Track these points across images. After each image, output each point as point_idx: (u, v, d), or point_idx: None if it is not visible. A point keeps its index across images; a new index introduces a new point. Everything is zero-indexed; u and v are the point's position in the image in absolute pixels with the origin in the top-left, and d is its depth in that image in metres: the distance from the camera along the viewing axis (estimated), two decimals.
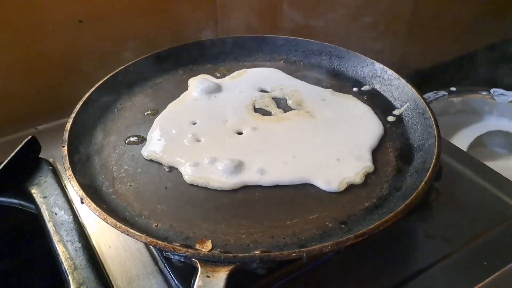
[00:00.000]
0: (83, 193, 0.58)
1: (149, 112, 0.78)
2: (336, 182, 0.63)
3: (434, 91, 1.08)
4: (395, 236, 0.66)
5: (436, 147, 0.62)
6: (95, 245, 0.65)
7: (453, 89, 1.09)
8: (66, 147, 0.65)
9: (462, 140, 1.05)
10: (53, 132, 0.84)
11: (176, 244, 0.53)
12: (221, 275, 0.49)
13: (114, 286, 0.60)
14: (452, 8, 1.33)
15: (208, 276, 0.49)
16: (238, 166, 0.65)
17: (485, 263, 0.62)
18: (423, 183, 0.57)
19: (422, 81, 1.25)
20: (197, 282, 0.48)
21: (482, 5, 1.38)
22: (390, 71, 0.79)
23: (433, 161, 0.60)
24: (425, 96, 1.07)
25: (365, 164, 0.66)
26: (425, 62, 1.37)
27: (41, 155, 0.78)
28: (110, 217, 0.55)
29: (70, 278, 0.58)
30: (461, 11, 1.36)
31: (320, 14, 1.17)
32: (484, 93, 1.10)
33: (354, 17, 1.22)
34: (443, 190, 0.71)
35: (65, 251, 0.62)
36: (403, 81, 0.77)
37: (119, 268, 0.62)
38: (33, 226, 0.68)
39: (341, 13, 1.20)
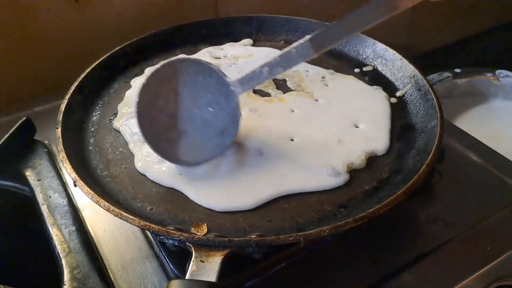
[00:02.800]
0: (76, 175, 0.56)
1: None
2: (337, 166, 0.61)
3: (438, 73, 1.06)
4: (397, 220, 0.64)
5: (438, 128, 0.61)
6: (90, 229, 0.64)
7: (457, 70, 1.07)
8: (60, 129, 0.64)
9: (467, 122, 1.03)
10: (50, 114, 0.82)
11: (170, 227, 0.51)
12: (216, 259, 0.48)
13: (108, 270, 0.59)
14: None
15: (202, 261, 0.48)
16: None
17: (488, 248, 0.60)
18: (424, 165, 0.55)
19: (426, 62, 1.23)
20: (191, 266, 0.47)
21: None
22: (392, 51, 0.77)
23: (436, 143, 0.58)
24: (429, 77, 1.05)
25: (369, 146, 0.64)
26: (429, 44, 1.34)
27: (37, 137, 0.77)
28: (103, 200, 0.53)
29: (63, 261, 0.57)
30: None
31: None
32: (489, 74, 1.07)
33: None
34: (446, 173, 0.69)
35: (59, 234, 0.61)
36: (405, 61, 0.75)
37: (114, 252, 0.61)
38: (28, 209, 0.67)
39: None
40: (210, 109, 0.61)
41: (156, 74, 0.61)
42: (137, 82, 0.78)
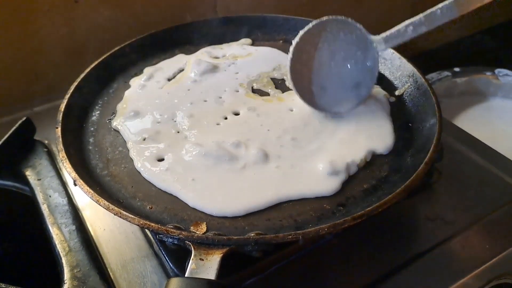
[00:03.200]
0: (76, 174, 0.57)
1: None
2: (337, 165, 0.61)
3: (438, 72, 1.06)
4: (396, 218, 0.65)
5: (437, 127, 0.61)
6: (90, 228, 0.65)
7: (456, 69, 1.07)
8: (59, 128, 0.64)
9: (466, 121, 1.03)
10: (50, 114, 0.82)
11: (169, 226, 0.52)
12: (215, 257, 0.48)
13: (108, 269, 0.59)
14: None
15: (201, 259, 0.48)
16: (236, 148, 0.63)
17: (487, 246, 0.60)
18: (423, 164, 0.55)
19: (426, 62, 1.23)
20: (190, 265, 0.47)
21: None
22: (391, 50, 0.77)
23: (434, 142, 0.58)
24: (429, 76, 1.05)
25: (369, 146, 0.64)
26: (429, 43, 1.34)
27: (37, 137, 0.78)
28: (102, 199, 0.54)
29: (63, 260, 0.58)
30: None
31: None
32: (488, 73, 1.07)
33: None
34: (445, 172, 0.70)
35: (59, 233, 0.61)
36: (404, 60, 0.75)
37: (114, 251, 0.62)
38: (28, 209, 0.67)
39: None
40: (348, 65, 0.68)
41: (306, 34, 0.68)
42: (136, 82, 0.78)
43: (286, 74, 0.77)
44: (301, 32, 0.68)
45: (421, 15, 0.61)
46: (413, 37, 0.64)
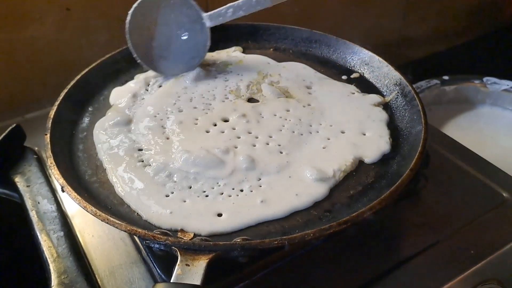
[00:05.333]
0: (64, 181, 0.57)
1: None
2: (325, 171, 0.62)
3: (427, 80, 1.07)
4: (383, 224, 0.65)
5: (423, 134, 0.62)
6: (78, 235, 0.65)
7: (445, 77, 1.08)
8: (48, 135, 0.65)
9: (455, 128, 1.04)
10: (40, 121, 0.82)
11: (156, 232, 0.52)
12: (201, 263, 0.48)
13: (96, 275, 0.59)
14: None
15: (187, 265, 0.48)
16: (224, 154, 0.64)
17: (472, 252, 0.61)
18: (408, 170, 0.56)
19: (415, 70, 1.24)
20: (176, 270, 0.48)
21: None
22: (378, 58, 0.78)
23: (420, 148, 0.59)
24: (418, 84, 1.06)
25: (357, 152, 0.65)
26: (419, 52, 1.36)
27: (27, 144, 0.78)
28: (90, 205, 0.54)
29: (51, 266, 0.58)
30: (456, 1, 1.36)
31: (313, 2, 1.16)
32: (476, 81, 1.08)
33: (348, 5, 1.21)
34: (431, 178, 0.70)
35: (47, 239, 0.61)
36: (391, 68, 0.76)
37: (102, 258, 0.62)
38: (17, 215, 0.67)
39: (336, 1, 1.19)
40: (184, 37, 0.79)
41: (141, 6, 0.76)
42: (127, 89, 0.78)
43: (274, 83, 0.78)
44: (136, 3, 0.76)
45: (239, 1, 0.74)
46: (233, 19, 0.76)
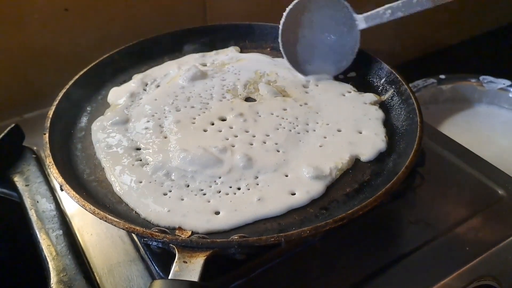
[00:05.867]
0: (62, 179, 0.57)
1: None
2: (322, 169, 0.62)
3: (423, 79, 1.07)
4: (380, 222, 0.66)
5: (418, 132, 0.62)
6: (77, 233, 0.65)
7: (442, 76, 1.09)
8: (47, 135, 0.65)
9: (451, 127, 1.04)
10: (39, 120, 0.83)
11: (154, 230, 0.52)
12: (198, 260, 0.49)
13: (95, 273, 0.60)
14: None
15: (185, 262, 0.49)
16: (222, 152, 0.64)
17: (467, 248, 0.62)
18: (404, 167, 0.57)
19: (412, 70, 1.24)
20: (174, 267, 0.48)
21: None
22: (374, 57, 0.79)
23: (415, 146, 0.60)
24: (414, 83, 1.06)
25: (353, 150, 0.65)
26: (415, 51, 1.36)
27: (25, 144, 0.78)
28: (88, 204, 0.54)
29: (50, 265, 0.58)
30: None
31: None
32: (473, 80, 1.09)
33: None
34: (428, 176, 0.71)
35: (46, 238, 0.62)
36: (387, 67, 0.76)
37: (100, 256, 0.62)
38: (16, 214, 0.68)
39: None
40: (333, 37, 0.78)
41: (294, 7, 0.77)
42: (124, 89, 0.79)
43: (271, 82, 0.79)
44: (292, 4, 0.76)
45: (399, 1, 0.70)
46: (390, 20, 0.72)
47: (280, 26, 0.78)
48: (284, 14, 0.77)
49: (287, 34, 0.78)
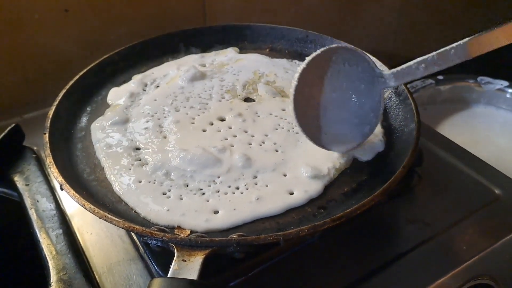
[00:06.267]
0: (62, 179, 0.58)
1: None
2: (319, 169, 0.63)
3: (422, 80, 1.08)
4: (378, 221, 0.67)
5: (415, 132, 0.63)
6: (77, 232, 0.66)
7: (440, 77, 1.09)
8: (47, 134, 0.66)
9: (450, 127, 1.05)
10: (39, 120, 0.83)
11: (153, 228, 0.53)
12: (197, 259, 0.49)
13: (94, 272, 0.60)
14: None
15: (184, 260, 0.49)
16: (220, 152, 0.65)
17: (464, 247, 0.62)
18: (401, 167, 0.57)
19: None
20: (173, 266, 0.49)
21: None
22: (372, 58, 0.79)
23: (412, 146, 0.60)
24: (412, 84, 1.07)
25: (353, 150, 0.66)
26: (414, 52, 1.37)
27: (26, 144, 0.78)
28: (88, 203, 0.55)
29: (50, 263, 0.58)
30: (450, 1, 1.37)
31: (309, 3, 1.17)
32: (471, 81, 1.09)
33: (342, 7, 1.22)
34: (425, 176, 0.72)
35: (46, 237, 0.62)
36: (385, 68, 0.76)
37: (100, 255, 0.63)
38: (16, 214, 0.68)
39: (331, 2, 1.20)
40: (352, 99, 0.63)
41: (313, 61, 0.62)
42: (124, 89, 0.79)
43: (270, 82, 0.79)
44: (307, 59, 0.62)
45: (434, 53, 0.56)
46: (424, 75, 0.59)
47: (293, 86, 0.61)
48: (298, 70, 0.62)
49: (301, 98, 0.62)
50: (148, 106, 0.74)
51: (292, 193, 0.60)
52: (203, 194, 0.60)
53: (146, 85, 0.81)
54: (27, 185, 0.70)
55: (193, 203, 0.59)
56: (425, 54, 0.58)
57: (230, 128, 0.70)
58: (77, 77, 0.77)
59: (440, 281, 0.58)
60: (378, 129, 0.69)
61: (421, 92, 1.07)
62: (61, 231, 0.63)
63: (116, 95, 0.78)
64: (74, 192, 0.56)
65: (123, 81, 0.83)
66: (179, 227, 0.56)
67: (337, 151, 0.64)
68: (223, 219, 0.57)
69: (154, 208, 0.58)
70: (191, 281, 0.47)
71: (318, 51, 0.62)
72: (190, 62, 0.86)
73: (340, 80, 0.63)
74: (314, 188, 0.61)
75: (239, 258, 0.55)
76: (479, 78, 1.10)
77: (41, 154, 0.77)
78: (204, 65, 0.86)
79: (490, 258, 0.62)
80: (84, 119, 0.75)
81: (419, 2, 1.32)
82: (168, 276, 0.48)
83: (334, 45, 0.63)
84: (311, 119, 0.63)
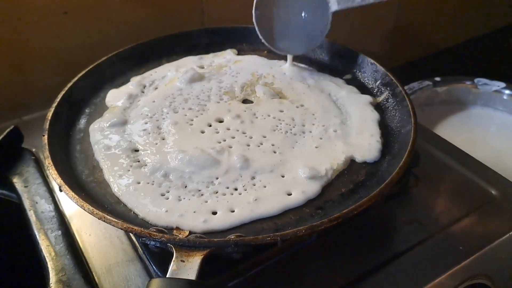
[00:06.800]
0: (61, 180, 0.58)
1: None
2: (317, 170, 0.63)
3: (419, 81, 1.08)
4: (375, 221, 0.67)
5: (412, 133, 0.63)
6: (76, 234, 0.66)
7: (437, 79, 1.10)
8: (46, 136, 0.66)
9: (447, 129, 1.06)
10: (37, 122, 0.84)
11: (152, 229, 0.53)
12: (196, 259, 0.50)
13: (93, 273, 0.60)
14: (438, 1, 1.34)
15: (182, 261, 0.50)
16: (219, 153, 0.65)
17: (460, 248, 0.63)
18: (397, 168, 0.58)
19: (407, 72, 1.26)
20: (172, 266, 0.49)
21: None
22: (369, 60, 0.80)
23: (409, 147, 0.61)
24: (410, 86, 1.08)
25: (349, 151, 0.66)
26: (411, 54, 1.38)
27: (25, 145, 0.79)
28: (87, 204, 0.55)
29: (49, 265, 0.59)
30: (448, 2, 1.37)
31: None
32: (468, 82, 1.10)
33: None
34: (422, 177, 0.72)
35: (45, 238, 0.62)
36: (383, 70, 0.77)
37: (99, 256, 0.63)
38: (15, 215, 0.68)
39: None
40: (304, 15, 0.81)
41: None
42: (122, 91, 0.80)
43: (268, 84, 0.80)
44: None
45: None
46: (362, 5, 0.75)
47: (254, 2, 0.80)
48: None
49: (261, 9, 0.80)
50: (147, 108, 0.75)
51: (290, 194, 0.61)
52: (202, 195, 0.61)
53: (144, 86, 0.81)
54: (26, 186, 0.70)
55: (191, 204, 0.59)
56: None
57: (228, 129, 0.70)
58: (75, 79, 0.78)
59: (436, 281, 0.58)
60: (376, 130, 0.69)
61: (418, 94, 1.07)
62: (60, 232, 0.63)
63: (115, 97, 0.79)
64: (73, 194, 0.56)
65: (122, 83, 0.83)
66: (177, 228, 0.56)
67: (292, 53, 0.84)
68: (221, 220, 0.57)
69: (153, 209, 0.59)
70: (189, 281, 0.47)
71: None
72: (188, 64, 0.87)
73: (300, 4, 0.80)
74: (312, 189, 0.61)
75: (237, 259, 0.55)
76: (476, 80, 1.11)
77: (40, 156, 0.78)
78: (202, 67, 0.86)
79: (486, 258, 0.62)
80: (82, 121, 0.75)
81: (417, 2, 1.32)
82: (167, 276, 0.48)
83: None
84: (268, 26, 0.82)
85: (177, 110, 0.74)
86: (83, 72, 0.79)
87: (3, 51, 0.89)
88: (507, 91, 1.08)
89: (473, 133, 1.04)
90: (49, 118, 0.69)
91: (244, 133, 0.69)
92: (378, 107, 0.75)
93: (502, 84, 1.09)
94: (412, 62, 1.35)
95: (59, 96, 0.74)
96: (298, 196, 0.60)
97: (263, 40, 0.82)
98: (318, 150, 0.67)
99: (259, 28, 0.81)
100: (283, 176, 0.63)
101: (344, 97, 0.77)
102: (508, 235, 0.64)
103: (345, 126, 0.71)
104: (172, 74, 0.83)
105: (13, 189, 0.71)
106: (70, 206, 0.69)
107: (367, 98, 0.76)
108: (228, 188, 0.61)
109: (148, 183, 0.62)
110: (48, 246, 0.61)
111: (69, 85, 0.76)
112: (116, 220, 0.53)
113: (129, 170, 0.64)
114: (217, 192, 0.61)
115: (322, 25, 0.79)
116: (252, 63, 0.87)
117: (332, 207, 0.59)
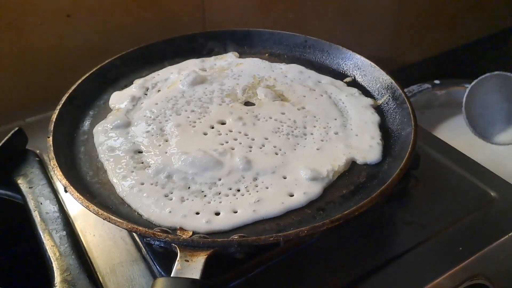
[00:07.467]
0: (67, 181, 0.59)
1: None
2: (319, 172, 0.64)
3: (418, 84, 1.10)
4: (375, 223, 0.68)
5: (412, 135, 0.64)
6: (80, 234, 0.67)
7: (436, 82, 1.11)
8: (51, 138, 0.67)
9: (446, 131, 1.07)
10: (41, 124, 0.84)
11: (156, 230, 0.54)
12: (200, 259, 0.50)
13: (98, 273, 0.61)
14: (438, 3, 1.35)
15: (186, 260, 0.50)
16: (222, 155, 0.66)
17: (460, 248, 0.63)
18: (398, 170, 0.59)
19: (407, 75, 1.27)
20: (176, 266, 0.50)
21: (466, 1, 1.40)
22: (370, 63, 0.81)
23: (409, 149, 0.62)
24: (409, 88, 1.09)
25: (350, 153, 0.67)
26: (411, 57, 1.38)
27: (28, 147, 0.80)
28: (92, 205, 0.56)
29: (54, 265, 0.59)
30: (446, 6, 1.38)
31: (308, 8, 1.19)
32: (467, 85, 1.11)
33: (340, 12, 1.24)
34: (422, 178, 0.73)
35: (50, 239, 0.63)
36: (383, 72, 0.78)
37: (103, 256, 0.64)
38: (20, 216, 0.69)
39: (329, 7, 1.22)
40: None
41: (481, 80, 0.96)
42: (126, 93, 0.81)
43: (270, 87, 0.81)
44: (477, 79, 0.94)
45: None
46: None
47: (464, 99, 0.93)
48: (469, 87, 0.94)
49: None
50: (150, 110, 0.76)
51: (291, 195, 0.61)
52: (205, 196, 0.61)
53: (147, 89, 0.82)
54: (30, 187, 0.71)
55: (194, 205, 0.60)
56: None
57: (231, 131, 0.71)
58: (79, 81, 0.79)
59: (436, 282, 0.59)
60: (376, 132, 0.70)
61: (418, 97, 1.08)
62: (64, 233, 0.64)
63: (118, 99, 0.80)
64: (78, 194, 0.57)
65: (125, 86, 0.84)
66: (181, 229, 0.57)
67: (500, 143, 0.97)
68: (224, 221, 0.58)
69: (157, 210, 0.60)
70: (193, 280, 0.48)
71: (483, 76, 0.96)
72: (190, 66, 0.87)
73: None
74: (314, 190, 0.62)
75: (240, 259, 0.56)
76: None
77: (44, 157, 0.78)
78: (204, 70, 0.87)
79: (485, 259, 0.63)
80: (86, 123, 0.76)
81: (416, 6, 1.33)
82: (172, 275, 0.49)
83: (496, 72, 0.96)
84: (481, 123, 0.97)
85: (179, 112, 0.75)
86: (87, 74, 0.80)
87: (7, 53, 0.90)
88: None
89: (472, 135, 1.05)
90: (54, 120, 0.70)
91: (246, 135, 0.70)
92: (378, 109, 0.76)
93: None
94: (412, 65, 1.36)
95: (63, 98, 0.74)
96: (299, 197, 0.61)
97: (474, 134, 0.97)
98: (319, 152, 0.68)
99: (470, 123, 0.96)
100: (285, 178, 0.64)
101: (345, 99, 0.78)
102: (507, 236, 0.65)
103: (346, 128, 0.72)
104: (174, 77, 0.84)
105: (18, 190, 0.72)
106: (74, 207, 0.70)
107: (368, 100, 0.77)
108: (230, 189, 0.62)
109: (152, 184, 0.63)
110: (53, 247, 0.62)
111: (73, 87, 0.77)
112: (121, 221, 0.54)
113: (133, 172, 0.65)
114: (220, 193, 0.62)
115: None
116: (254, 65, 0.87)
117: (334, 208, 0.60)
